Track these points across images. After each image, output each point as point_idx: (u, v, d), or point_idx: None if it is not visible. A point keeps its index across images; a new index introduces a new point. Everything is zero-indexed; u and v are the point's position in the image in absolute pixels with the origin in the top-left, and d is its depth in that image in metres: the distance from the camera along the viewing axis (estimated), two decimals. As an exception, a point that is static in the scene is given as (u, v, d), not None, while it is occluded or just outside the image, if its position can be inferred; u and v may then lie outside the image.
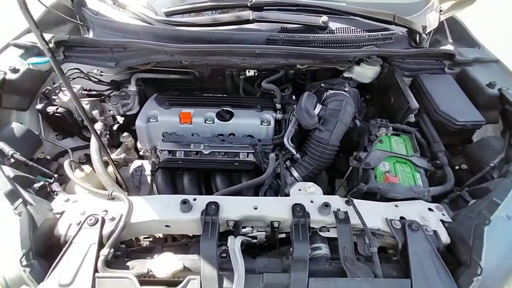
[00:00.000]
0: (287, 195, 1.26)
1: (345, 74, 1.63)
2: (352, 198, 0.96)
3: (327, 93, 1.36)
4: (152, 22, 1.50)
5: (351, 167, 1.23)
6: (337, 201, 0.98)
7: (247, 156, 1.37)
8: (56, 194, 1.03)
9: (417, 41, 1.65)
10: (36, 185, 1.00)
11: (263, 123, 1.47)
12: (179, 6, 1.56)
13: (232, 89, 1.78)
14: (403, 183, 1.10)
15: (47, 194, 1.05)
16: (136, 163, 1.43)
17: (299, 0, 1.55)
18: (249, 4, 1.44)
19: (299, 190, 1.02)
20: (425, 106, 1.39)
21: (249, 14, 1.41)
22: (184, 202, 0.90)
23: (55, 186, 1.05)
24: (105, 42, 1.40)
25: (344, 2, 1.60)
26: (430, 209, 1.00)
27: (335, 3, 1.56)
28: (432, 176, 1.21)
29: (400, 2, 1.74)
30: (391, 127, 1.31)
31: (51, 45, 1.43)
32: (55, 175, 1.09)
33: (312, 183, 1.04)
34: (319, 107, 1.27)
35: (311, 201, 0.97)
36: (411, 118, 1.37)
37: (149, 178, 1.40)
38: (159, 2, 1.63)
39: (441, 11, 1.68)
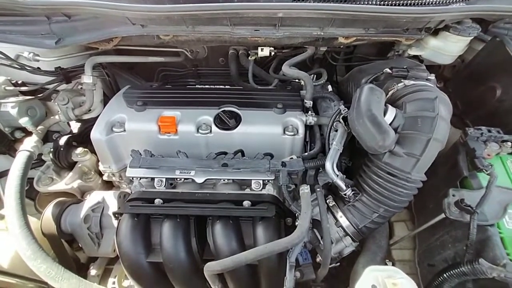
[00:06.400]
0: (334, 260, 0.77)
1: (411, 52, 1.07)
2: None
3: (398, 85, 0.80)
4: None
5: (443, 216, 0.71)
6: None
7: (263, 187, 0.87)
8: None
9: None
10: None
11: (287, 132, 0.95)
12: None
13: (238, 75, 1.24)
14: None
15: None
16: (94, 197, 0.94)
17: None
18: None
19: (375, 291, 0.51)
20: None
21: (264, -48, 0.83)
22: None
23: None
24: (34, 5, 0.87)
25: None
26: None
27: None
28: None
29: None
30: (509, 142, 0.77)
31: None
32: None
33: (399, 273, 0.53)
34: (392, 111, 0.72)
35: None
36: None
37: (114, 220, 0.92)
38: None
39: None
